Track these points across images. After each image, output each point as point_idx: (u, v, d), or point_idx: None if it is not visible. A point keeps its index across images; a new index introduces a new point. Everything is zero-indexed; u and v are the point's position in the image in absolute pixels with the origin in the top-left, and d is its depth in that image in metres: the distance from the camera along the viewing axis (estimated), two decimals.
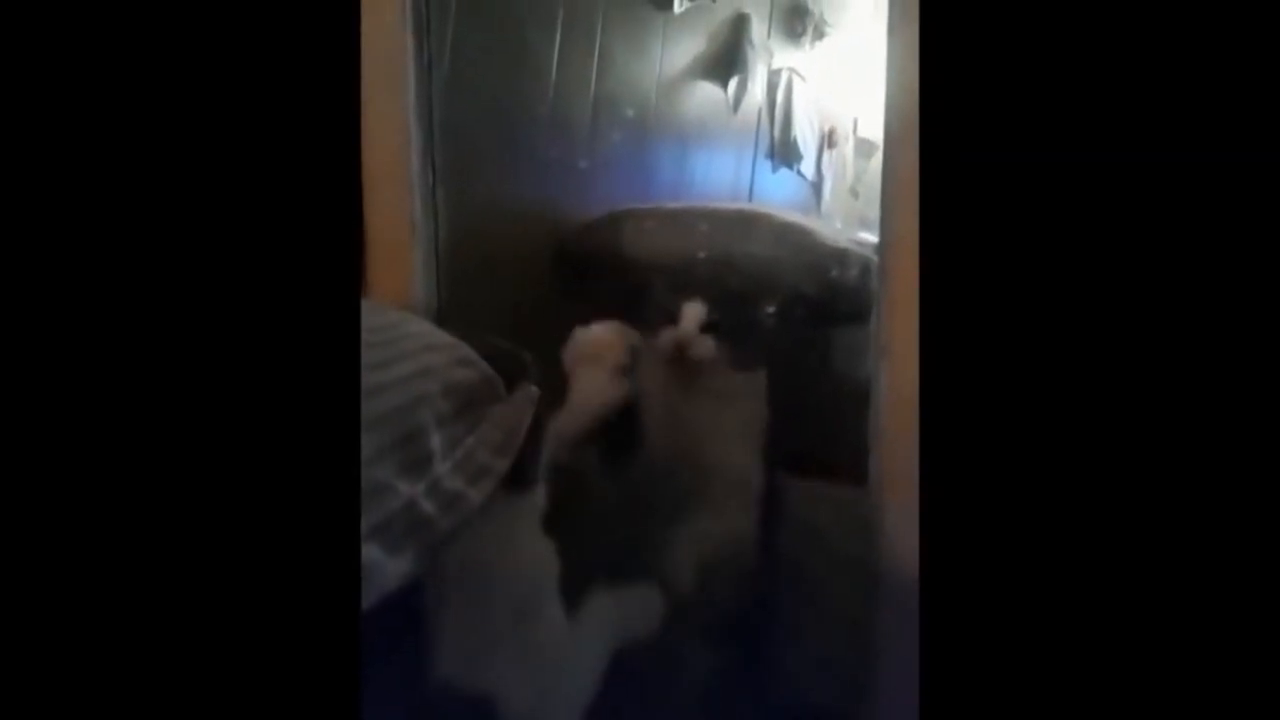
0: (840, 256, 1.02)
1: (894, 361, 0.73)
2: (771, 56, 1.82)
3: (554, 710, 0.72)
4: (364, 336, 0.51)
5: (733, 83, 1.70)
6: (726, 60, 1.69)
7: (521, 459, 0.61)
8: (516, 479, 0.63)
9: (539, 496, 0.70)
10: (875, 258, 0.79)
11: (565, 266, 1.18)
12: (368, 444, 0.48)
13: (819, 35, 1.97)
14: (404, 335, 0.56)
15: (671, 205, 1.21)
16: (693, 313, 0.92)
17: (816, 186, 2.06)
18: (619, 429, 0.85)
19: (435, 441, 0.52)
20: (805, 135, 1.95)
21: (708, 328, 0.92)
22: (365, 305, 0.55)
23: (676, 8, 1.50)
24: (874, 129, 2.07)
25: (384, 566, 0.48)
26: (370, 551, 0.47)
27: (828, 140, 2.07)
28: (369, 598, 0.47)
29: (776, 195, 1.89)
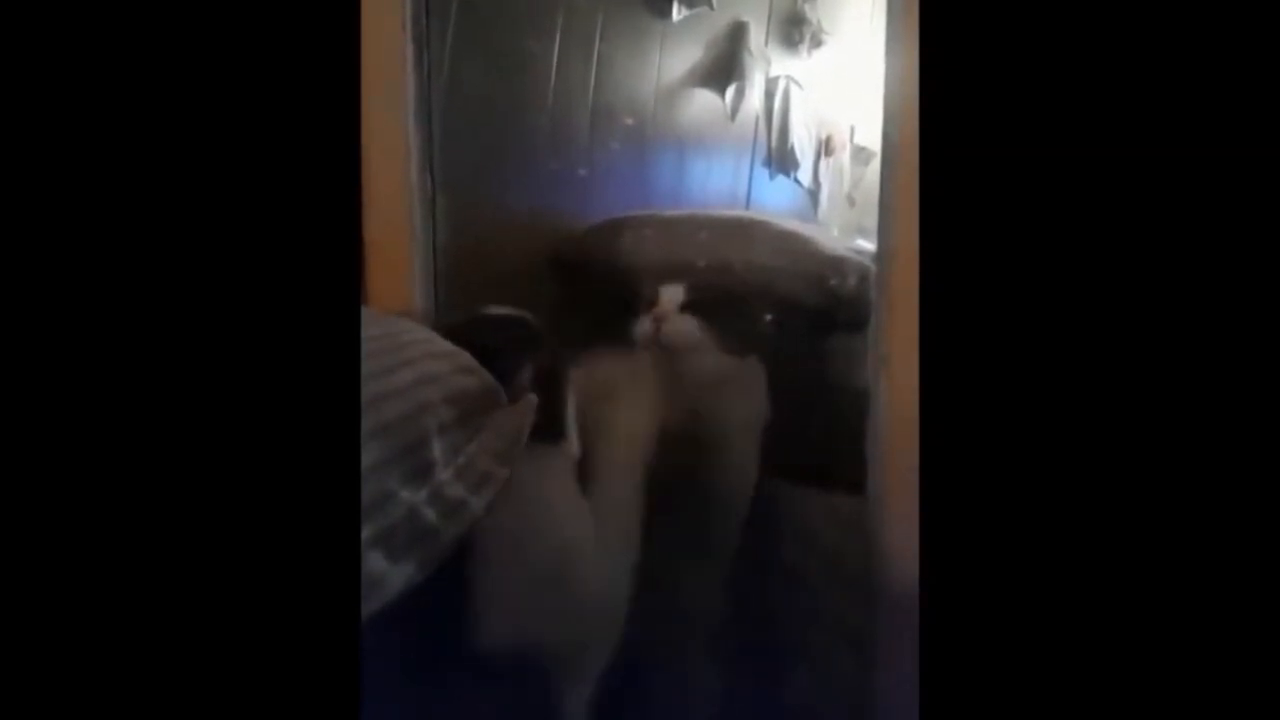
0: (838, 265, 1.02)
1: (893, 370, 0.73)
2: (769, 65, 1.83)
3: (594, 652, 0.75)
4: (365, 345, 0.51)
5: (730, 91, 1.71)
6: (724, 68, 1.69)
7: (550, 414, 0.63)
8: (546, 433, 0.66)
9: (572, 448, 0.72)
10: (873, 266, 0.79)
11: (564, 274, 1.18)
12: (371, 452, 0.48)
13: (816, 43, 1.98)
14: (405, 343, 0.56)
15: (670, 213, 1.21)
16: (669, 293, 0.93)
17: (813, 194, 2.07)
18: None
19: (437, 449, 0.52)
20: (802, 143, 1.96)
21: (686, 307, 0.92)
22: (366, 313, 0.55)
23: (675, 16, 1.51)
24: (871, 137, 2.08)
25: (386, 574, 0.48)
26: (373, 560, 0.47)
27: (825, 148, 2.08)
28: (371, 606, 0.47)
29: (774, 203, 1.90)
